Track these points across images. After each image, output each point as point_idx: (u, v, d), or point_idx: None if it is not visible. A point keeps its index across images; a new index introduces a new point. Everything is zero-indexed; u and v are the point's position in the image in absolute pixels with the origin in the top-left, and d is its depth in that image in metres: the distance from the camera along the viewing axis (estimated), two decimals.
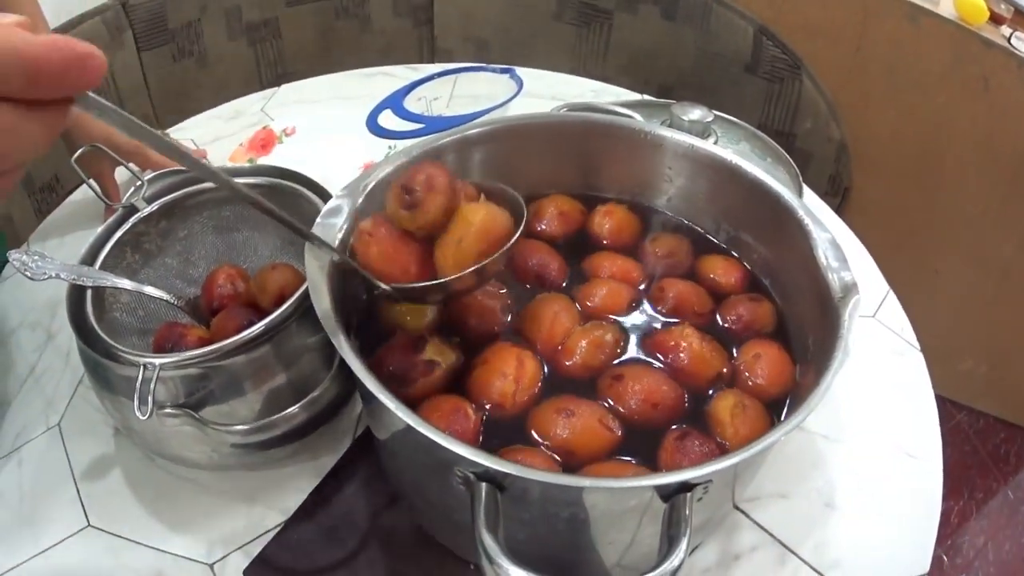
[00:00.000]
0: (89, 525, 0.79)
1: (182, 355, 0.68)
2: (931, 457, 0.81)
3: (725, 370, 0.70)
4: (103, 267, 0.79)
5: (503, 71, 1.06)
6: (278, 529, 0.77)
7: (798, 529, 0.75)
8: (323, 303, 0.62)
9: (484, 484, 0.53)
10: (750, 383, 0.70)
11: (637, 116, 0.82)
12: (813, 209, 0.73)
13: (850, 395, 0.85)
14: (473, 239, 0.62)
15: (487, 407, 0.66)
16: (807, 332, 0.71)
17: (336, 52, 1.65)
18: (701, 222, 0.82)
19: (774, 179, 0.75)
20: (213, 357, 0.68)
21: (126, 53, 1.47)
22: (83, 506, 0.81)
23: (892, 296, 0.98)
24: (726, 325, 0.75)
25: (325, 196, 0.82)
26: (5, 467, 0.86)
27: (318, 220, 0.69)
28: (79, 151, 0.84)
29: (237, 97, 1.36)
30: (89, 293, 0.76)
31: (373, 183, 0.72)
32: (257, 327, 0.69)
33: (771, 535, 0.75)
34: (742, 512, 0.76)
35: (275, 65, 1.64)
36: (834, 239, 0.69)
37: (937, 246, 1.74)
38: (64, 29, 1.35)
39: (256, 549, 0.76)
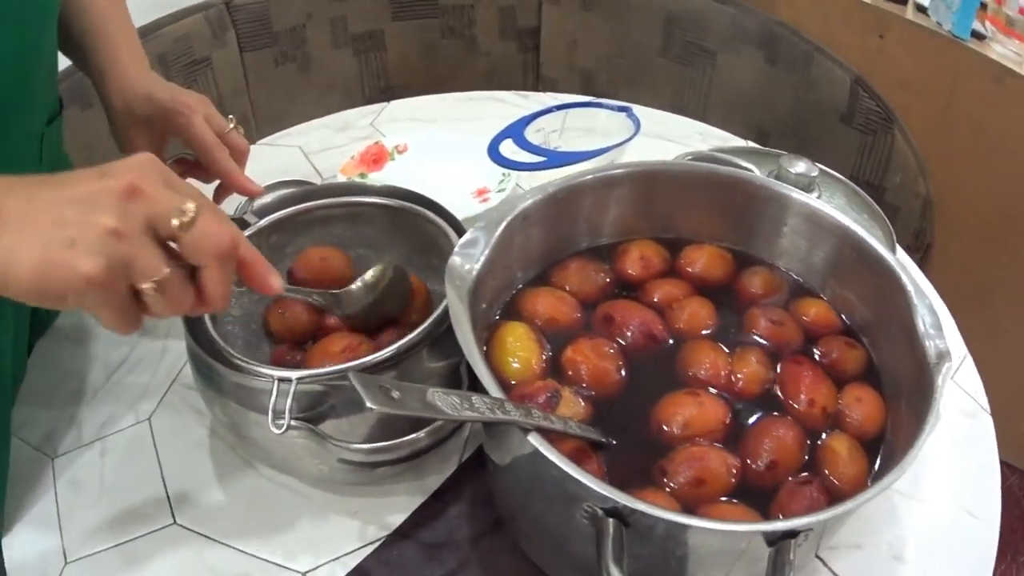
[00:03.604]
0: (175, 523, 0.80)
1: (320, 371, 0.69)
2: (990, 518, 0.82)
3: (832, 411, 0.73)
4: None
5: (619, 109, 1.07)
6: (378, 544, 0.78)
7: None
8: (465, 331, 0.64)
9: (612, 520, 0.56)
10: (849, 424, 0.73)
11: (755, 169, 0.85)
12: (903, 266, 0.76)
13: (923, 453, 0.87)
14: None
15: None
16: (901, 391, 0.74)
17: (440, 70, 1.67)
18: (810, 278, 0.84)
19: (880, 243, 0.77)
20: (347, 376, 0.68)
21: (228, 52, 1.49)
22: (170, 503, 0.81)
23: (969, 358, 0.99)
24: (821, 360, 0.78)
25: (453, 223, 0.83)
26: (86, 455, 0.86)
27: (456, 250, 0.71)
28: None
29: (338, 105, 1.37)
30: None
31: (511, 216, 0.75)
32: (386, 351, 0.70)
33: None
34: (820, 560, 0.78)
35: (378, 78, 1.66)
36: (932, 307, 0.72)
37: (1010, 306, 1.73)
38: (164, 23, 1.38)
39: (353, 562, 0.77)
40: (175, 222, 0.52)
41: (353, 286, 0.80)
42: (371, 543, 0.78)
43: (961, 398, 0.94)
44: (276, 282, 0.62)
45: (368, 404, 0.51)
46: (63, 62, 0.88)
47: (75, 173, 0.54)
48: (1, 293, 0.52)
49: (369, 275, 0.80)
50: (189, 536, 0.79)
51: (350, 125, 1.33)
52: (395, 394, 0.53)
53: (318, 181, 1.17)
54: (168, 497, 0.82)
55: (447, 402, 0.56)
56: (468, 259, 0.70)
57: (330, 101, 1.51)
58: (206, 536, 0.79)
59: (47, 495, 0.83)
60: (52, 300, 0.52)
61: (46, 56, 0.82)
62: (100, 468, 0.85)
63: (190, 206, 0.52)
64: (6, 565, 0.78)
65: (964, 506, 0.83)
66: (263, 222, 0.85)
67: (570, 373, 0.73)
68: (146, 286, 0.52)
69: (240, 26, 1.49)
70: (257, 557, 0.77)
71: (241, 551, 0.77)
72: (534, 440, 0.57)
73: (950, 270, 1.56)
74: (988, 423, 0.92)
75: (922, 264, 1.39)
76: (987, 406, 0.94)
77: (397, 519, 0.80)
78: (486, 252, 0.71)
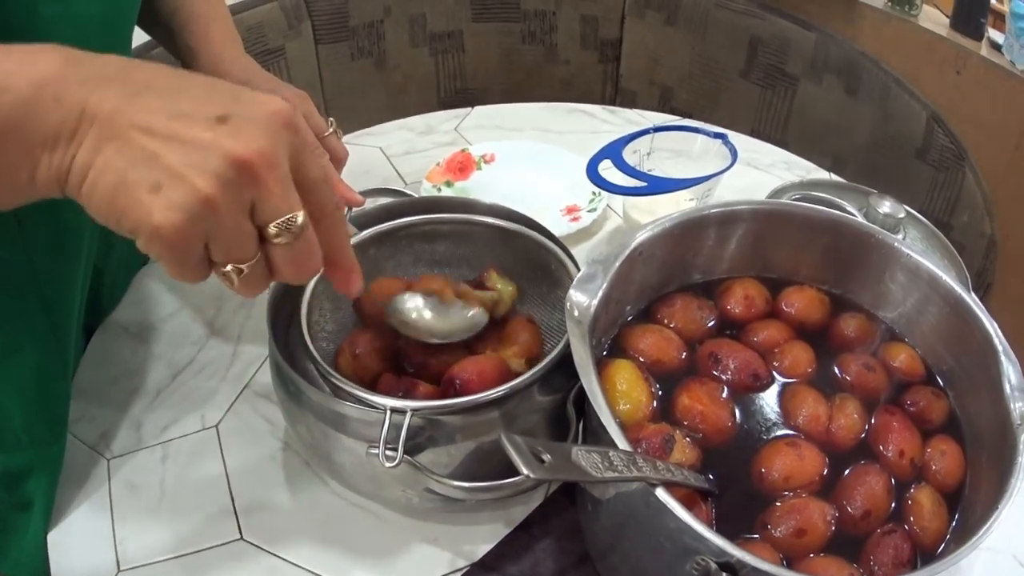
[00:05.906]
0: (241, 538, 0.77)
1: (437, 403, 0.67)
2: None
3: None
4: (312, 291, 0.78)
5: (715, 135, 1.07)
6: (459, 574, 0.76)
7: None
8: (591, 379, 0.63)
9: (725, 574, 0.56)
10: (932, 476, 0.73)
11: (858, 215, 0.85)
12: None
13: None
14: None
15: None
16: (982, 446, 0.74)
17: (517, 75, 1.66)
18: (900, 324, 0.84)
19: (978, 306, 0.79)
20: (462, 409, 0.67)
21: (302, 44, 1.49)
22: (237, 517, 0.78)
23: None
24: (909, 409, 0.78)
25: (566, 251, 0.82)
26: (145, 458, 0.83)
27: (574, 285, 0.70)
28: None
29: (413, 104, 1.38)
30: (304, 315, 0.75)
31: (628, 251, 0.74)
32: (500, 389, 0.68)
33: None
34: None
35: (455, 79, 1.65)
36: (1019, 367, 0.72)
37: None
38: (239, 10, 1.37)
39: None
40: (273, 229, 0.47)
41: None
42: (451, 572, 0.76)
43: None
44: (356, 286, 0.57)
45: (524, 472, 0.49)
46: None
47: (194, 81, 0.48)
48: (76, 199, 0.47)
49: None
50: (256, 553, 0.76)
51: (433, 129, 1.31)
52: (545, 457, 0.52)
53: (402, 186, 1.16)
54: (235, 510, 0.79)
55: (590, 461, 0.55)
56: (588, 294, 0.70)
57: (404, 100, 1.50)
58: (275, 554, 0.76)
59: (99, 494, 0.81)
60: (122, 232, 0.46)
61: (128, 29, 0.79)
62: (161, 473, 0.82)
63: (299, 220, 0.47)
64: (52, 570, 0.75)
65: (1016, 556, 0.84)
66: (364, 234, 0.83)
67: (685, 418, 0.73)
68: (227, 269, 0.47)
69: (316, 18, 1.50)
70: None
71: (312, 572, 0.75)
72: (662, 496, 0.57)
73: (1007, 311, 1.56)
74: None
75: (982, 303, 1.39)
76: None
77: (479, 549, 0.78)
78: (603, 287, 0.71)
